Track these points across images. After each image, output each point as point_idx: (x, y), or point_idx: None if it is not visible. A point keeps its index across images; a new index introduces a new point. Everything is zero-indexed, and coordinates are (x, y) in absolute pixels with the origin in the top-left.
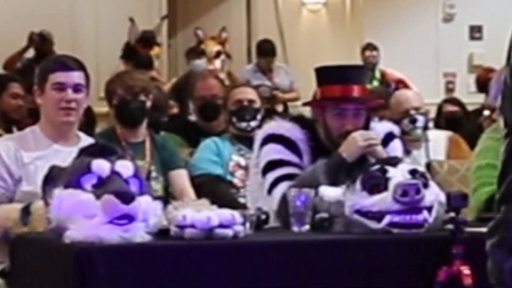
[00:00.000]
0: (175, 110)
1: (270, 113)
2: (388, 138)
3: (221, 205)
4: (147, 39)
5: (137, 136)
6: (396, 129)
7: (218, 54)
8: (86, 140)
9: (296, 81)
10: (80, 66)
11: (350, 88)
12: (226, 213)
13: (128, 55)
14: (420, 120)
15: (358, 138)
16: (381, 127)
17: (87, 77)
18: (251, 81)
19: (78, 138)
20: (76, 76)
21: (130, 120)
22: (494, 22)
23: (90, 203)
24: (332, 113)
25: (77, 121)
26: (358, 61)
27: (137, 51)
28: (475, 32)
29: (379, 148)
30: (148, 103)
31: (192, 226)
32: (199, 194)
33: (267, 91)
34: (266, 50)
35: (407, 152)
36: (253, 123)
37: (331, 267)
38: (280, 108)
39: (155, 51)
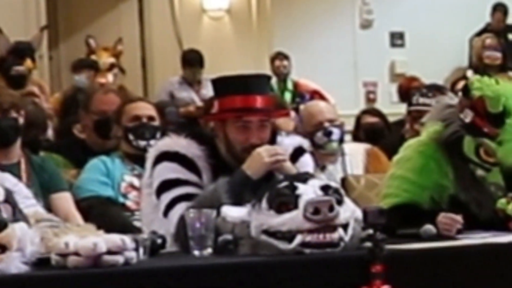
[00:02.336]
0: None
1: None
2: (297, 153)
3: (114, 229)
4: (19, 51)
5: (10, 158)
6: (305, 143)
7: (111, 67)
8: None
9: None
10: None
11: (253, 99)
12: (115, 238)
13: (1, 69)
14: (336, 132)
15: (264, 153)
16: (289, 141)
17: None
18: (175, 94)
19: None
20: None
21: (1, 140)
22: (416, 28)
23: None
24: (234, 126)
25: None
26: (267, 71)
27: (8, 64)
28: (397, 39)
29: (288, 164)
30: (21, 120)
31: (76, 253)
32: (87, 219)
33: (174, 114)
34: (192, 60)
35: (322, 167)
36: (152, 142)
37: None
38: None
39: (27, 64)
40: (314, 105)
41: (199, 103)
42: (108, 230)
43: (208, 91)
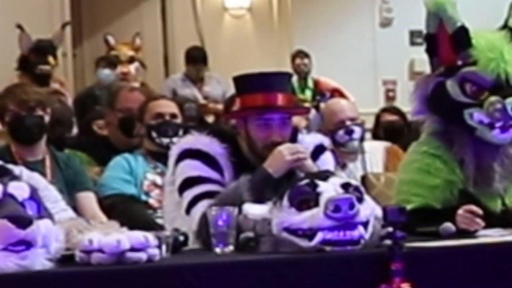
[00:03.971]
0: None
1: (200, 124)
2: (318, 151)
3: (136, 227)
4: (41, 49)
5: (35, 154)
6: (326, 141)
7: (132, 60)
8: None
9: (228, 91)
10: None
11: (274, 97)
12: (138, 235)
13: (24, 67)
14: (357, 131)
15: (285, 152)
16: (310, 139)
17: None
18: (178, 91)
19: None
20: None
21: (26, 137)
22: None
23: None
24: (256, 123)
25: None
26: (288, 70)
27: (32, 63)
28: (416, 37)
29: (309, 162)
30: (47, 118)
31: (100, 250)
32: (110, 217)
33: (193, 109)
34: (195, 57)
35: (343, 165)
36: (175, 140)
37: None
38: (210, 119)
39: (49, 62)
40: (335, 103)
41: (202, 101)
42: (131, 228)
43: (210, 88)
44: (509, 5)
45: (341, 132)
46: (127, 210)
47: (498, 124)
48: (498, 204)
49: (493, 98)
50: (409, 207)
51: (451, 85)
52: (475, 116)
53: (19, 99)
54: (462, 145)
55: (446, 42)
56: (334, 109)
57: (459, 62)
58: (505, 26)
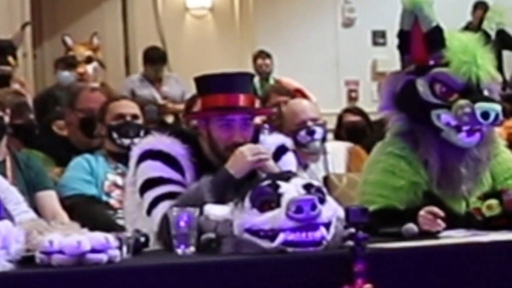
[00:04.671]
0: None
1: (161, 125)
2: (280, 151)
3: (97, 228)
4: (0, 49)
5: None
6: (288, 142)
7: (89, 60)
8: None
9: (188, 91)
10: None
11: (236, 97)
12: (99, 237)
13: None
14: (319, 131)
15: (246, 152)
16: (272, 139)
17: None
18: (136, 92)
19: None
20: None
21: None
22: (398, 27)
23: None
24: (217, 124)
25: None
26: (250, 70)
27: None
28: (379, 37)
29: (270, 163)
30: (6, 119)
31: (60, 252)
32: (71, 217)
33: (154, 112)
34: (154, 57)
35: (305, 166)
36: (137, 140)
37: None
38: (170, 119)
39: (9, 62)
40: (297, 104)
41: (161, 101)
42: (92, 228)
43: (169, 88)
44: (472, 6)
45: (302, 133)
46: (87, 211)
47: (465, 128)
48: (462, 206)
49: (462, 102)
50: (372, 207)
51: (421, 84)
52: (443, 118)
53: None
54: (427, 146)
55: (420, 41)
56: (296, 110)
57: (431, 62)
58: (478, 29)
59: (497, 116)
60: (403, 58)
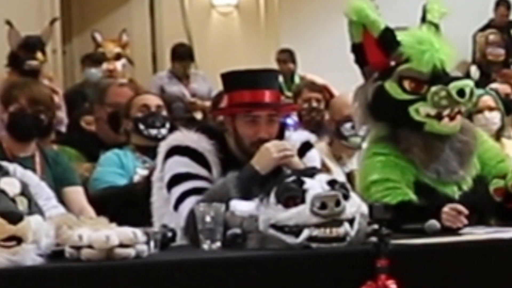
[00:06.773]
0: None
1: (189, 122)
2: (304, 148)
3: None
4: (29, 45)
5: (26, 150)
6: (313, 138)
7: (118, 57)
8: None
9: (214, 88)
10: None
11: (261, 93)
12: (127, 231)
13: (14, 63)
14: (364, 128)
15: (272, 149)
16: (297, 136)
17: None
18: (165, 88)
19: None
20: None
21: (23, 135)
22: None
23: None
24: (243, 120)
25: None
26: (274, 66)
27: (21, 59)
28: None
29: (295, 159)
30: (46, 121)
31: (89, 246)
32: (100, 211)
33: (181, 109)
34: (182, 54)
35: (339, 157)
36: (163, 131)
37: (246, 287)
38: (199, 115)
39: (38, 58)
40: (348, 96)
41: (190, 98)
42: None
43: (198, 85)
44: (494, 3)
45: (348, 125)
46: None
47: (445, 112)
48: (455, 190)
49: (435, 88)
50: (389, 199)
51: (390, 86)
52: (422, 110)
53: (30, 96)
54: (409, 145)
55: (374, 48)
56: (346, 101)
57: (392, 63)
58: (423, 21)
59: (471, 91)
60: (363, 71)
